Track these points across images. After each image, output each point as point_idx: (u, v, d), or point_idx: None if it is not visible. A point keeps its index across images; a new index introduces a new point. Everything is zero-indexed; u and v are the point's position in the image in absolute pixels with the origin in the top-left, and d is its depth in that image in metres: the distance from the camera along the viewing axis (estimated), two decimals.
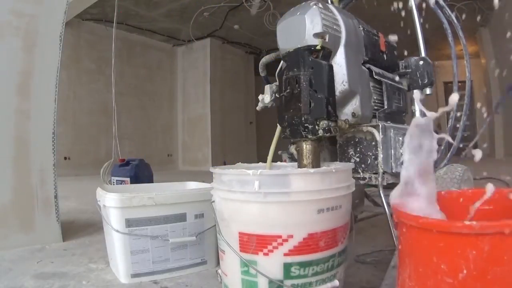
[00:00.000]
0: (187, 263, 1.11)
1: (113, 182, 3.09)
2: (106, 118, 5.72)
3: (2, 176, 1.43)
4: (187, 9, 5.75)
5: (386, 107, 1.17)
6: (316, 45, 0.91)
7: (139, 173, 3.04)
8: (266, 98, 1.09)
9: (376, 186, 1.06)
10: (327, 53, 0.94)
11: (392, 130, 1.07)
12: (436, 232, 0.47)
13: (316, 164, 0.92)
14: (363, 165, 1.09)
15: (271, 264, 0.76)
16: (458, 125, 1.34)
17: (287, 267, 0.76)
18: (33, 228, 1.46)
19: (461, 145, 1.27)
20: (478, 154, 0.56)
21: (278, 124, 0.98)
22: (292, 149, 1.11)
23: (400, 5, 1.29)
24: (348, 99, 1.04)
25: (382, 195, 1.06)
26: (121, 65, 5.92)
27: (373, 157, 1.07)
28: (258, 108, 1.14)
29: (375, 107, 1.16)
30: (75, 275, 1.10)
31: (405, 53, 1.43)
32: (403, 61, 1.29)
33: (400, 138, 1.06)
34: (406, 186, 0.57)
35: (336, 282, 0.80)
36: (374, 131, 1.06)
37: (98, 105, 5.98)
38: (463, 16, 4.44)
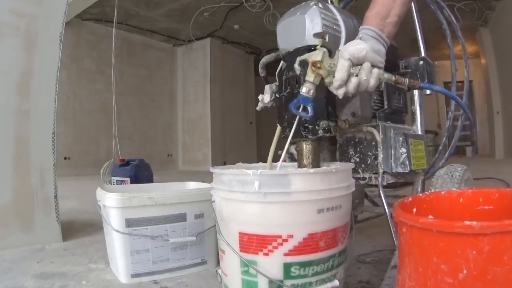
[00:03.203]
0: (187, 263, 1.11)
1: (113, 182, 3.09)
2: (106, 118, 5.72)
3: (2, 176, 1.42)
4: (187, 9, 5.75)
5: (386, 107, 1.17)
6: (316, 45, 0.90)
7: (139, 173, 3.04)
8: (266, 98, 1.09)
9: (376, 186, 1.06)
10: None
11: (392, 130, 1.07)
12: (436, 232, 0.47)
13: (316, 164, 0.92)
14: (363, 165, 1.09)
15: (271, 264, 0.76)
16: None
17: (287, 267, 0.76)
18: (33, 228, 1.46)
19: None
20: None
21: (278, 124, 0.98)
22: (292, 149, 1.11)
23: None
24: (348, 99, 1.04)
25: (382, 195, 1.06)
26: (121, 65, 5.92)
27: (373, 157, 1.07)
28: (258, 108, 1.13)
29: (375, 107, 1.16)
30: (75, 275, 1.10)
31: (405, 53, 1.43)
32: (403, 61, 1.29)
33: (400, 138, 1.06)
34: None
35: (336, 282, 0.80)
36: (374, 131, 1.06)
37: (98, 105, 5.98)
38: (463, 16, 4.44)
